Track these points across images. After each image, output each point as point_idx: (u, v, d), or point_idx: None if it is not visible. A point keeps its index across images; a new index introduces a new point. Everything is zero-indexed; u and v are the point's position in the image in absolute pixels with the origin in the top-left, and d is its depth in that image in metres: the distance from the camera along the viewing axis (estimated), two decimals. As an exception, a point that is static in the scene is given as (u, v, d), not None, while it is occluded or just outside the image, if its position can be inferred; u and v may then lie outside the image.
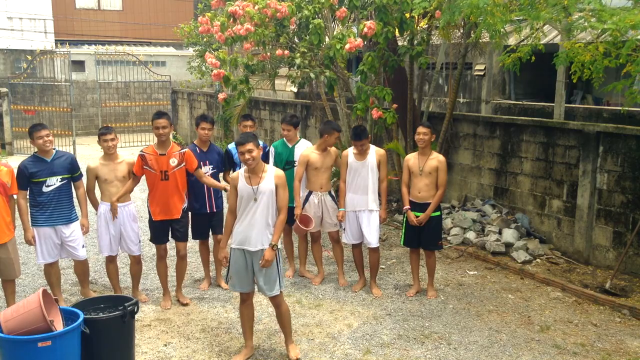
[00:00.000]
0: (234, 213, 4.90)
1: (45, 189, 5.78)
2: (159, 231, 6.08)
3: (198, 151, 6.43)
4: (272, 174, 4.85)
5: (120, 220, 6.06)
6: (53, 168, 5.82)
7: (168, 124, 5.90)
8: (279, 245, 4.88)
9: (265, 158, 6.68)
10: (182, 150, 5.97)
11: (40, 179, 5.76)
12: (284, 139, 6.83)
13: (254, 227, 4.78)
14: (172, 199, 5.95)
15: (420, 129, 6.22)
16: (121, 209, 6.04)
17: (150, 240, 6.25)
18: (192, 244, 7.90)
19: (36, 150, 5.91)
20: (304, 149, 6.67)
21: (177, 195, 5.97)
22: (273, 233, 4.82)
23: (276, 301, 4.94)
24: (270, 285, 4.84)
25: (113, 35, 22.97)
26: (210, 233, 6.67)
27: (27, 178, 5.72)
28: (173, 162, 5.87)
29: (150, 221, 6.11)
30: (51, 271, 6.03)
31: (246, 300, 5.00)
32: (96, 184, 6.23)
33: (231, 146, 6.72)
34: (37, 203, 5.80)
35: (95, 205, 6.21)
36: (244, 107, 11.76)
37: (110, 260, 6.23)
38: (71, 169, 5.95)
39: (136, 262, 6.27)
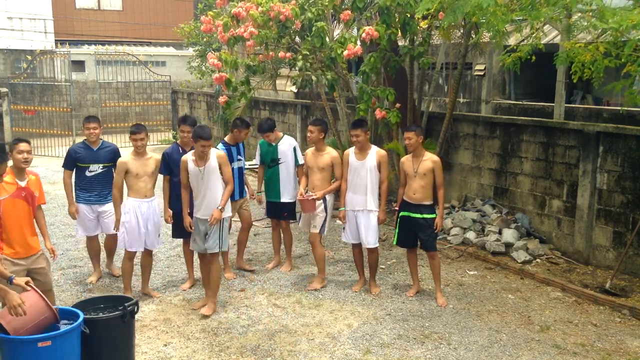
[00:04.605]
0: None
1: (88, 174, 6.59)
2: None
3: (180, 151, 6.42)
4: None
5: (149, 215, 6.20)
6: (96, 156, 6.61)
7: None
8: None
9: (231, 156, 6.77)
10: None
11: (84, 164, 6.58)
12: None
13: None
14: None
15: (406, 134, 6.23)
16: (148, 204, 6.21)
17: None
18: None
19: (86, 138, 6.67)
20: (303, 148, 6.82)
21: None
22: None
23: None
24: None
25: (113, 35, 22.95)
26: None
27: (73, 160, 6.57)
28: None
29: None
30: (90, 245, 6.91)
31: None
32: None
33: (220, 147, 6.81)
34: (80, 184, 6.64)
35: (118, 203, 6.17)
36: (245, 109, 11.73)
37: (130, 257, 6.27)
38: (113, 158, 6.58)
39: (148, 255, 6.38)
